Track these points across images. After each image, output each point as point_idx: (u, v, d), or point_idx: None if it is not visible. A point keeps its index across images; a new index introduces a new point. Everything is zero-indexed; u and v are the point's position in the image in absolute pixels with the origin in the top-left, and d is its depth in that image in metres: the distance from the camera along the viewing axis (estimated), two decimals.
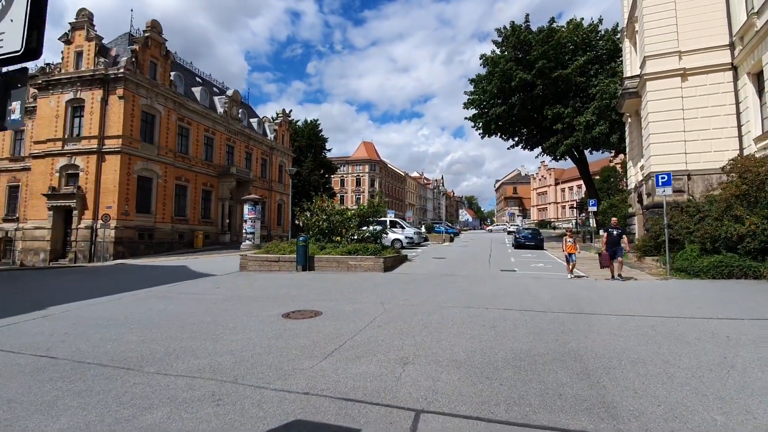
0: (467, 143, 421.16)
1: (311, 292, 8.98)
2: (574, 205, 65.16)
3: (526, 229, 26.36)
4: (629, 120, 21.70)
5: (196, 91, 32.84)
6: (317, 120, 57.50)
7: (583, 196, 60.95)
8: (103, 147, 24.83)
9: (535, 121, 32.98)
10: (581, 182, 77.19)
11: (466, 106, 33.68)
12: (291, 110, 61.05)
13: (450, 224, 60.70)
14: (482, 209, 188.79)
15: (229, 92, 35.62)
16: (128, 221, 25.05)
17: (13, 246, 29.48)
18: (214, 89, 37.01)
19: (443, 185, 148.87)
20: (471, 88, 33.81)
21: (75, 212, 25.16)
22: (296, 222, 15.77)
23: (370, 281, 10.46)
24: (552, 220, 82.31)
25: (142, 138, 26.34)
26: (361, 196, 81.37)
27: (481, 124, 33.88)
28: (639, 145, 20.57)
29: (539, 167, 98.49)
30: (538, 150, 35.55)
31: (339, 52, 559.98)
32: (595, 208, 23.20)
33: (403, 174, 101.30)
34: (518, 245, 23.71)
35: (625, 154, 28.99)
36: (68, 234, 25.67)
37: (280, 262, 13.03)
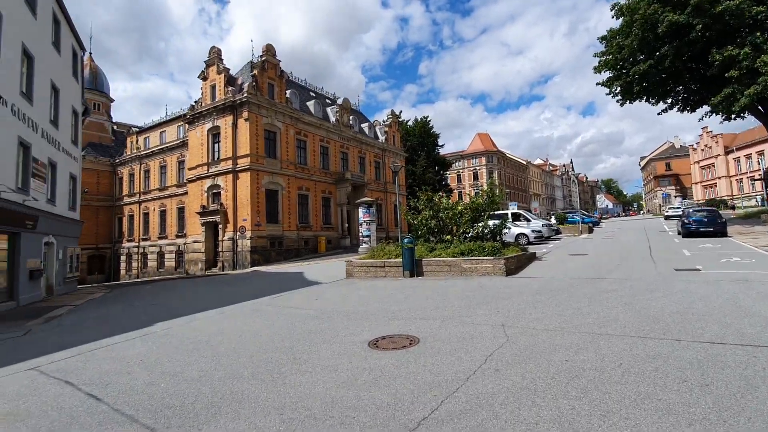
0: (599, 120, 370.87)
1: (413, 305, 7.43)
2: (761, 177, 50.45)
3: (699, 211, 20.31)
4: None
5: (310, 104, 34.61)
6: (427, 117, 56.37)
7: None
8: (237, 166, 27.59)
9: (695, 72, 25.81)
10: (765, 146, 59.47)
11: (598, 69, 28.20)
12: (401, 111, 61.26)
13: (586, 212, 52.99)
14: (624, 193, 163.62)
15: (340, 101, 36.76)
16: (260, 231, 27.32)
17: (183, 258, 35.14)
18: (327, 100, 38.66)
19: (573, 170, 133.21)
20: (602, 48, 28.26)
21: (220, 226, 28.53)
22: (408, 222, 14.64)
23: (487, 290, 8.43)
24: (726, 198, 65.58)
25: (267, 154, 28.56)
26: (480, 191, 77.29)
27: (618, 88, 27.96)
28: None
29: (700, 135, 79.72)
30: (702, 111, 27.87)
31: (449, 48, 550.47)
32: None
33: (524, 162, 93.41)
34: (689, 233, 18.32)
35: None
36: (217, 245, 29.28)
37: (385, 267, 11.85)
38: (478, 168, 79.32)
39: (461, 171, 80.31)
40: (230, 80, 29.20)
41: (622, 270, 10.00)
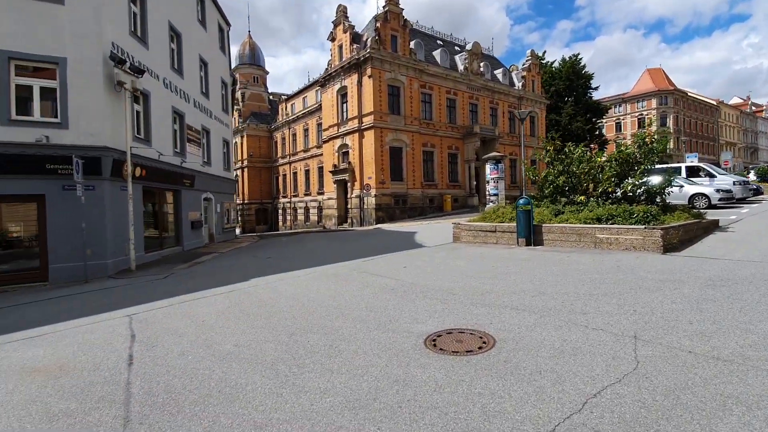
0: None
1: (511, 286, 5.79)
2: None
3: None
4: None
5: (436, 53, 32.36)
6: (578, 54, 47.62)
7: None
8: (362, 125, 27.89)
9: None
10: None
11: None
12: (545, 51, 53.00)
13: None
14: None
15: (468, 46, 33.39)
16: (384, 189, 27.52)
17: (323, 213, 38.47)
18: (455, 47, 35.66)
19: None
20: None
21: (348, 184, 29.80)
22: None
23: (626, 273, 6.13)
24: None
25: (390, 111, 28.02)
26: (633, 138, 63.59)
27: None
28: None
29: None
30: None
31: None
32: None
33: (714, 103, 72.82)
34: None
35: None
36: (347, 202, 30.85)
37: (497, 232, 10.07)
38: (645, 113, 64.93)
39: (622, 118, 67.13)
40: (356, 38, 29.03)
41: None
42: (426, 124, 30.05)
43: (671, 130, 62.51)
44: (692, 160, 26.27)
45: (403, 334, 4.22)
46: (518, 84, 37.49)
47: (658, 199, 9.93)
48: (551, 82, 46.44)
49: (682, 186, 15.50)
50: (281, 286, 7.20)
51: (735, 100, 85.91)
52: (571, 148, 10.15)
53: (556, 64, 48.58)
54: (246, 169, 47.39)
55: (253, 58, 50.05)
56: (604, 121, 56.46)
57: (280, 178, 46.96)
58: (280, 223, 46.95)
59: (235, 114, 48.59)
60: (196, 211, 17.54)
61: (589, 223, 8.60)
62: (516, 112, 17.93)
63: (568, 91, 47.26)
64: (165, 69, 14.91)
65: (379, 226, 24.71)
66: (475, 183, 32.53)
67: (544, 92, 41.64)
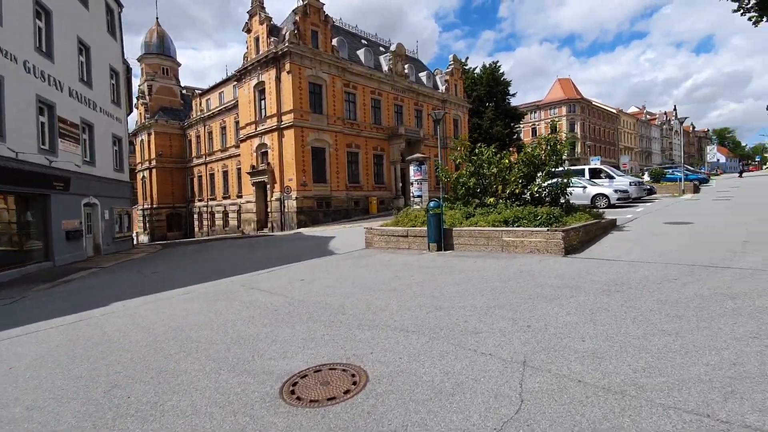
0: (719, 57, 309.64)
1: (407, 301, 5.18)
2: None
3: None
4: None
5: (361, 53, 31.83)
6: (497, 62, 50.23)
7: None
8: (281, 123, 26.36)
9: None
10: None
11: None
12: (467, 57, 55.13)
13: (690, 168, 44.58)
14: (743, 144, 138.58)
15: (393, 47, 33.34)
16: (306, 191, 26.26)
17: (241, 218, 35.98)
18: (380, 48, 35.48)
19: (676, 118, 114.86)
20: None
21: (268, 186, 28.04)
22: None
23: (527, 279, 5.84)
24: None
25: (312, 109, 26.85)
26: (537, 141, 69.24)
27: (753, 0, 21.09)
28: None
29: None
30: None
31: None
32: None
33: (614, 111, 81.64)
34: None
35: None
36: (267, 206, 29.03)
37: (409, 237, 9.58)
38: (557, 119, 70.74)
39: (537, 123, 72.43)
40: (273, 30, 27.42)
41: (757, 253, 6.60)
42: (350, 124, 29.33)
43: (578, 136, 68.77)
44: (595, 163, 28.58)
45: (260, 376, 3.34)
46: (442, 87, 38.35)
47: (561, 200, 10.14)
48: (473, 87, 48.39)
49: (585, 187, 16.47)
50: (144, 313, 5.91)
51: (632, 109, 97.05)
52: (482, 150, 10.00)
53: (477, 71, 50.77)
54: (154, 170, 43.01)
55: (162, 48, 45.61)
56: (521, 126, 60.26)
57: (196, 180, 43.28)
58: (197, 229, 43.23)
59: (141, 108, 43.90)
60: (73, 219, 14.97)
61: (497, 226, 8.40)
62: (432, 113, 17.87)
63: (489, 97, 49.59)
64: (27, 50, 12.42)
65: (300, 230, 23.44)
66: (401, 185, 32.52)
67: (466, 96, 43.14)
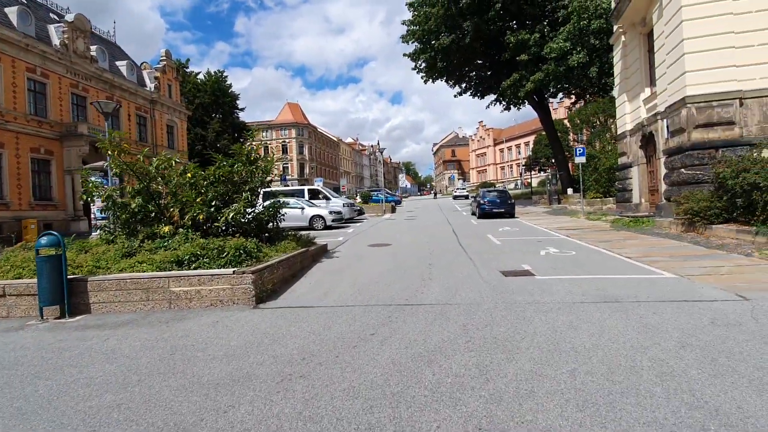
0: (405, 108, 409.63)
1: None
2: (522, 164, 61.88)
3: (491, 191, 20.41)
4: (624, 38, 16.12)
5: (12, 12, 21.99)
6: (223, 72, 47.13)
7: (531, 153, 57.41)
8: None
9: (490, 57, 26.88)
10: (522, 141, 74.31)
11: (405, 39, 26.55)
12: (188, 59, 49.01)
13: (389, 191, 54.60)
14: (420, 175, 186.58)
15: (70, 17, 24.78)
16: None
17: None
18: (51, 15, 25.93)
19: (380, 151, 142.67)
20: (409, 16, 26.67)
21: None
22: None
23: (167, 377, 3.42)
24: (493, 181, 79.67)
25: None
26: (289, 165, 72.10)
27: (424, 63, 27.06)
28: (642, 71, 15.14)
29: (477, 128, 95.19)
30: (489, 99, 29.94)
31: (270, 9, 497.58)
32: (583, 159, 17.50)
33: (336, 139, 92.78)
34: (483, 214, 17.74)
35: (605, 93, 24.04)
36: None
37: (6, 297, 5.46)
38: (287, 140, 73.77)
39: (269, 142, 73.10)
40: None
41: (440, 278, 6.57)
42: None
43: (307, 158, 73.71)
44: (318, 184, 29.85)
45: None
46: (151, 85, 31.79)
47: (271, 226, 8.43)
48: (196, 93, 43.30)
49: (303, 208, 15.85)
50: None
51: (349, 140, 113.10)
52: (147, 158, 7.00)
53: (201, 76, 45.94)
54: None
55: None
56: (254, 142, 58.76)
57: None
58: None
59: None
60: None
61: (166, 269, 5.65)
62: (98, 103, 13.23)
63: (215, 107, 45.56)
64: None
65: None
66: (82, 202, 24.19)
67: (185, 102, 37.77)
